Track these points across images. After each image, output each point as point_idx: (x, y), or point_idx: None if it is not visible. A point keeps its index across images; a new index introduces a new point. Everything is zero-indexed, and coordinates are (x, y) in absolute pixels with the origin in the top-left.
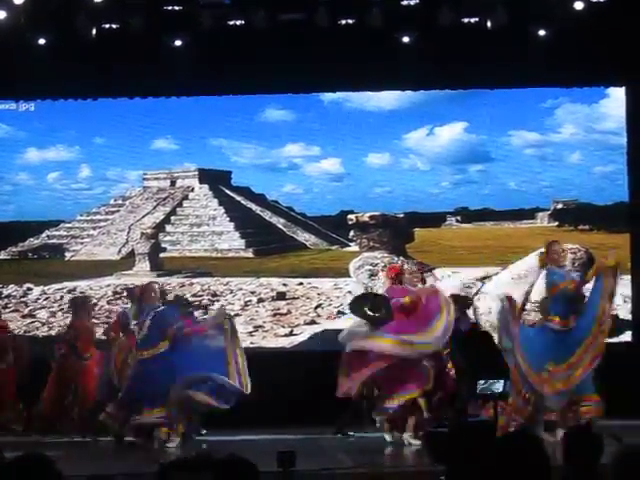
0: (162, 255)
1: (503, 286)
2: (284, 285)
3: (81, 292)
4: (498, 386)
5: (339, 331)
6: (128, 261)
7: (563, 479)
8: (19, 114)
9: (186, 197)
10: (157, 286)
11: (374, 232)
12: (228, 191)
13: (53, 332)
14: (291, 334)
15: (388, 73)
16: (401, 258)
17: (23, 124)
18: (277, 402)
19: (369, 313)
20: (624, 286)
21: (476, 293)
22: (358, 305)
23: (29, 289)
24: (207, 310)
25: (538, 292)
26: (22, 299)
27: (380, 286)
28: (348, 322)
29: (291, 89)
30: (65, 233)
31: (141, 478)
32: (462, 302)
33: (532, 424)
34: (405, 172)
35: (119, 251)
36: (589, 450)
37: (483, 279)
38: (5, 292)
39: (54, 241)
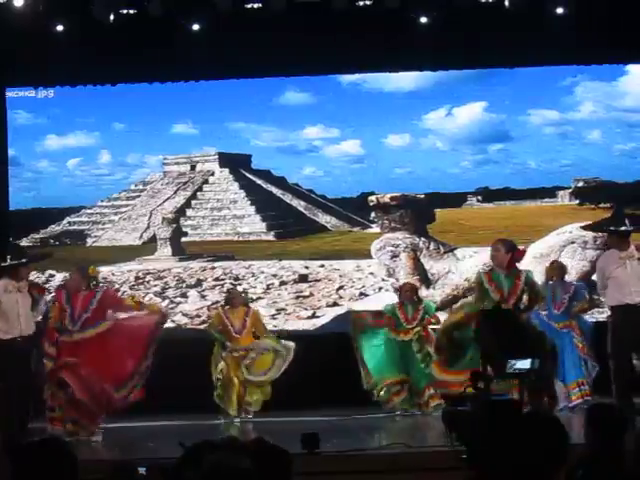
0: (184, 239)
1: (525, 265)
2: (306, 267)
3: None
4: (526, 365)
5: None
6: (150, 246)
7: (587, 456)
8: (38, 101)
9: (206, 181)
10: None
11: (395, 213)
12: (248, 174)
13: None
14: (314, 316)
15: (406, 54)
16: (422, 239)
17: (43, 111)
18: (300, 384)
19: None
20: None
21: None
22: None
23: (51, 275)
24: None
25: None
26: (45, 285)
27: (402, 267)
28: (370, 304)
29: (309, 71)
30: (86, 219)
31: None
32: None
33: None
34: (425, 152)
35: (141, 236)
36: (611, 428)
37: None
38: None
39: (75, 227)
